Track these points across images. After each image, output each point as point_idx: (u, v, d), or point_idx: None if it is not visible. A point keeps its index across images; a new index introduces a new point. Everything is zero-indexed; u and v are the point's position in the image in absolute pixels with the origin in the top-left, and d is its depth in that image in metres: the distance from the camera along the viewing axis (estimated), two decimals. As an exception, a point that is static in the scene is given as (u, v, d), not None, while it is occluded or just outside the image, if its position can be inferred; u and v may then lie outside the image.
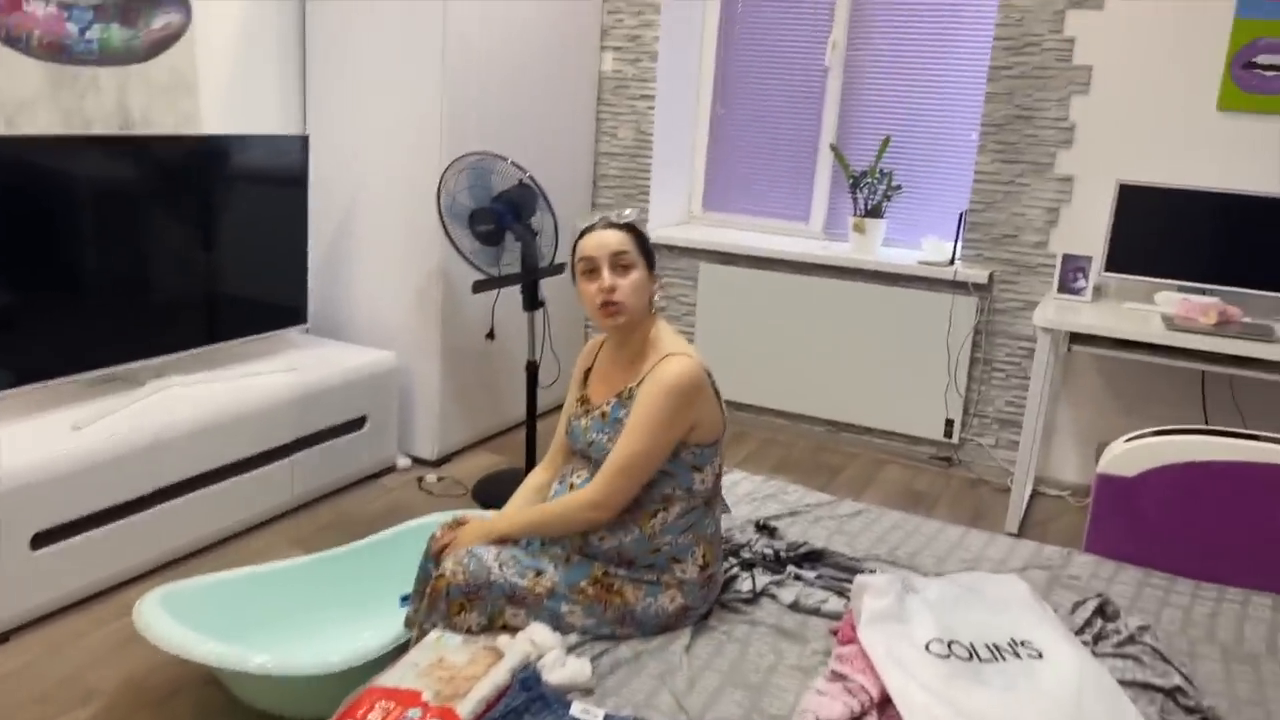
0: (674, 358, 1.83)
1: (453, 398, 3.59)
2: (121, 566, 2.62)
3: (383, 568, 2.46)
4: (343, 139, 3.49)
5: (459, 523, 2.00)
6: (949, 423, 3.79)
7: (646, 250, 1.92)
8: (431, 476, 3.47)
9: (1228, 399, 3.38)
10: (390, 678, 1.53)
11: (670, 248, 4.20)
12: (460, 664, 1.55)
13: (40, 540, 2.42)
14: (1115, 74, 3.37)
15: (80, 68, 2.85)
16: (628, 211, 1.93)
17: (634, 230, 1.91)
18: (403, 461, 3.54)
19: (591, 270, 1.88)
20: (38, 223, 2.55)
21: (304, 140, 3.22)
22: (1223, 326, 2.99)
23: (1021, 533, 3.27)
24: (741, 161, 4.30)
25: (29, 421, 2.60)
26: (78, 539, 2.50)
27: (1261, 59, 3.17)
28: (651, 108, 4.11)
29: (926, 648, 1.61)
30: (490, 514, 2.16)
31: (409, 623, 1.98)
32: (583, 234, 1.92)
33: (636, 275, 1.88)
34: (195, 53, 3.17)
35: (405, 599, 2.37)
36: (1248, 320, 3.09)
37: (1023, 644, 1.64)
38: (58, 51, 2.79)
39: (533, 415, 3.25)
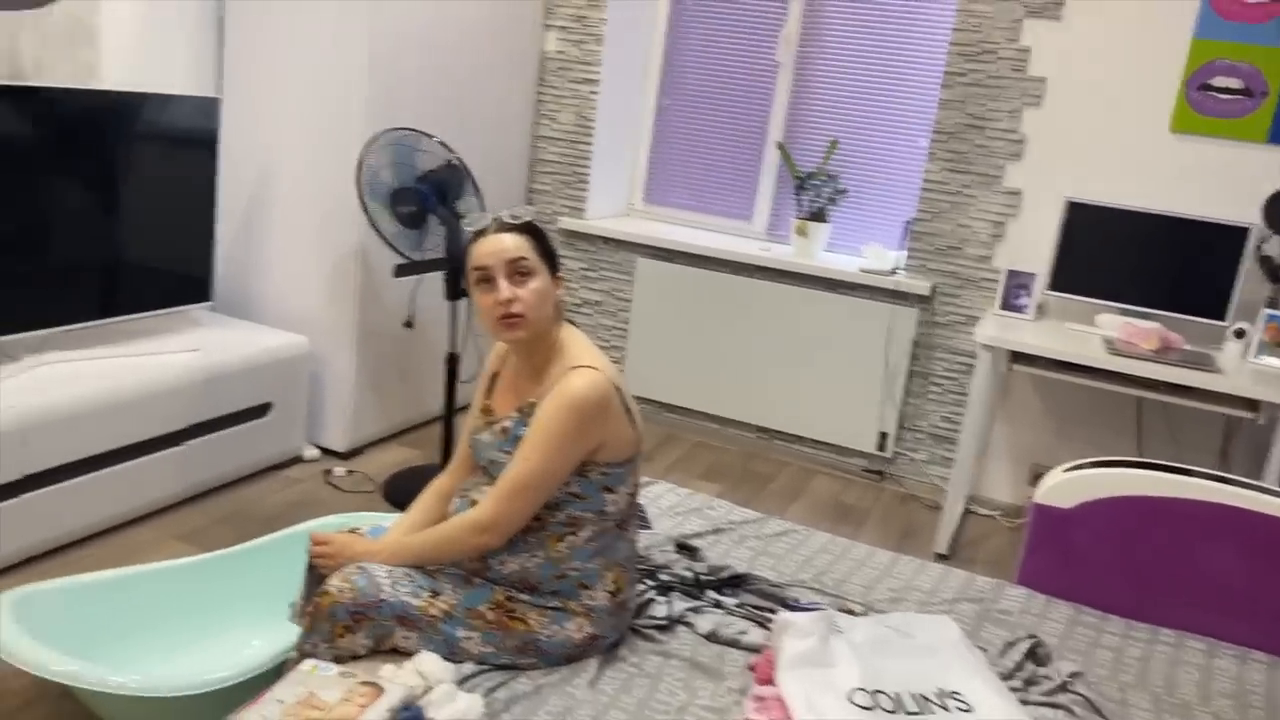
0: (579, 371, 1.66)
1: (367, 387, 3.38)
2: (-18, 559, 2.39)
3: (276, 571, 2.26)
4: (259, 105, 3.25)
5: (352, 533, 1.82)
6: (882, 435, 3.70)
7: (548, 252, 1.74)
8: (340, 470, 3.27)
9: (1163, 427, 3.34)
10: (252, 717, 1.35)
11: (608, 240, 4.04)
12: (332, 702, 1.38)
13: (-115, 529, 2.19)
14: (1069, 88, 3.29)
15: (-37, 7, 2.59)
16: (524, 210, 1.76)
17: (532, 231, 1.73)
18: (310, 452, 3.33)
19: (487, 280, 1.70)
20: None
21: (216, 103, 2.98)
22: (1163, 353, 2.93)
23: (951, 553, 3.19)
24: (686, 155, 4.15)
25: (-118, 396, 2.35)
26: (-70, 529, 2.26)
27: (1217, 81, 3.11)
28: (595, 93, 3.94)
29: (850, 698, 1.48)
30: (387, 519, 1.99)
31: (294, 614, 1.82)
32: (474, 239, 1.73)
33: (538, 283, 1.70)
34: (98, 1, 2.92)
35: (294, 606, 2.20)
36: (1188, 348, 3.04)
37: (952, 695, 1.53)
38: (-64, -12, 2.52)
39: (450, 410, 3.07)
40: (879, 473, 3.77)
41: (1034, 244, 3.40)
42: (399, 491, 3.09)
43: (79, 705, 2.01)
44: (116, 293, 2.85)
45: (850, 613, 1.90)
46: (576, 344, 1.75)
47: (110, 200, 2.77)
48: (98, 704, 1.88)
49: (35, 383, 2.53)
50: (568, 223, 4.04)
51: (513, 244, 1.69)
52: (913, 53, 3.68)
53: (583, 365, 1.68)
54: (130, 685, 1.75)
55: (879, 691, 1.50)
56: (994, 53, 3.36)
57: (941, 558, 3.14)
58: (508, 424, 1.75)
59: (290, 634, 1.86)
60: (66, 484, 2.54)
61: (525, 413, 1.72)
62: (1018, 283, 3.28)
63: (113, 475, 2.65)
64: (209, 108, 2.97)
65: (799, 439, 3.87)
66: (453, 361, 3.05)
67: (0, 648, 1.77)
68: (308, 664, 1.49)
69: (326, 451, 3.38)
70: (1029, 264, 3.38)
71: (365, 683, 1.44)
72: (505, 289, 1.68)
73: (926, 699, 1.50)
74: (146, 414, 2.70)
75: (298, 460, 3.31)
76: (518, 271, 1.69)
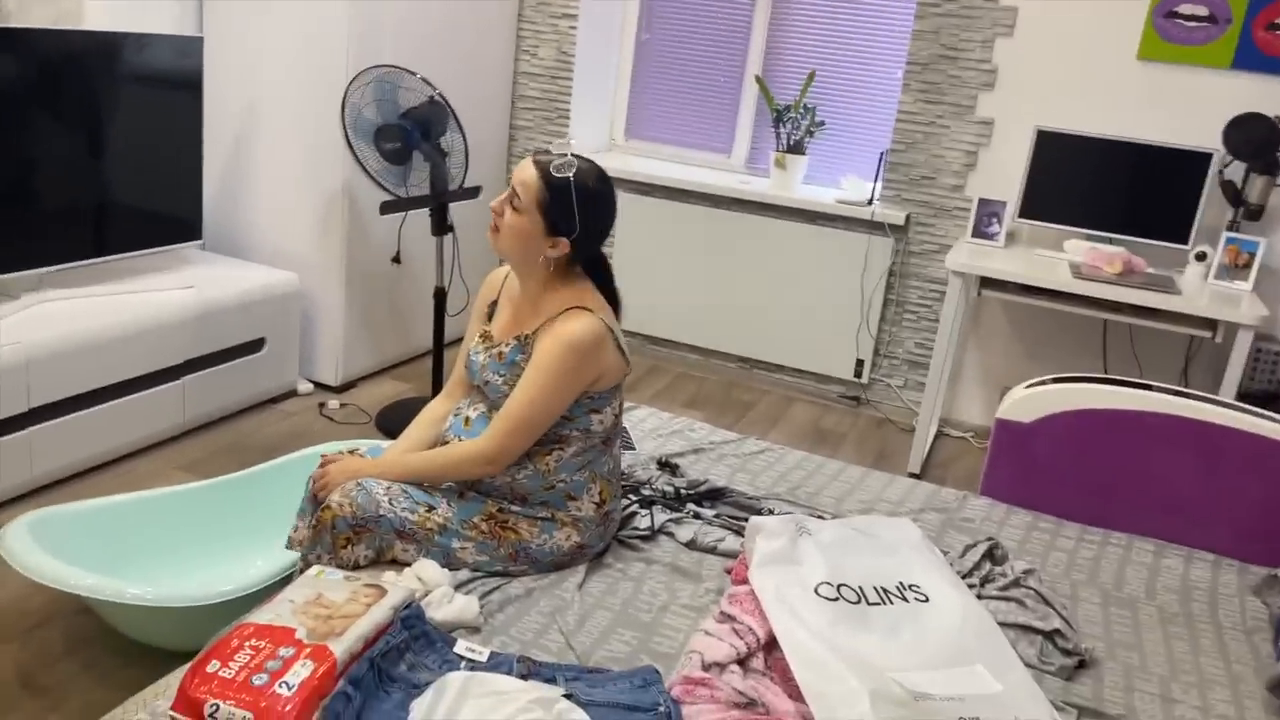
0: (575, 313, 1.78)
1: (357, 322, 3.47)
2: (-7, 489, 2.49)
3: (278, 495, 2.37)
4: (242, 44, 3.28)
5: (351, 454, 1.93)
6: (859, 363, 3.82)
7: (552, 210, 1.78)
8: (334, 402, 3.37)
9: (1128, 348, 3.46)
10: (264, 614, 1.47)
11: (589, 175, 4.09)
12: (339, 601, 1.50)
13: (-100, 461, 2.28)
14: (1039, 17, 3.35)
15: (-56, -51, 2.61)
16: (569, 168, 1.79)
17: (554, 187, 1.78)
18: (304, 386, 3.43)
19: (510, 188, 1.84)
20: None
21: (199, 42, 3.01)
22: (1126, 276, 3.04)
23: (923, 473, 3.33)
24: (666, 89, 4.20)
25: (-112, 334, 2.42)
26: (-57, 460, 2.36)
27: (1183, 9, 3.17)
28: (574, 27, 3.96)
29: (816, 590, 1.61)
30: (385, 444, 2.09)
31: (291, 543, 1.91)
32: (531, 155, 1.86)
33: (517, 221, 1.80)
34: (78, -60, 2.93)
35: (297, 529, 2.30)
36: (1151, 271, 3.15)
37: (910, 587, 1.66)
38: (-83, -71, 2.54)
39: (439, 343, 3.16)
40: (856, 398, 3.89)
41: (1005, 173, 3.49)
42: (391, 423, 3.20)
43: (94, 622, 2.12)
44: (108, 232, 2.92)
45: (820, 518, 2.03)
46: (576, 286, 1.84)
47: (98, 141, 2.82)
48: (114, 617, 2.00)
49: (35, 320, 2.61)
50: (550, 159, 4.09)
51: (528, 181, 1.80)
52: (888, -16, 3.72)
53: (578, 306, 1.78)
54: (146, 597, 1.87)
55: (843, 584, 1.62)
56: (967, -17, 3.40)
57: (914, 477, 3.27)
58: (504, 349, 1.85)
59: (292, 555, 1.97)
60: (70, 417, 2.63)
61: (523, 342, 1.83)
62: (989, 211, 3.37)
63: (115, 409, 2.74)
64: (191, 47, 3.01)
65: (779, 368, 3.99)
66: (440, 296, 3.13)
67: (22, 565, 1.88)
68: (315, 569, 1.61)
69: (320, 385, 3.48)
70: (1000, 192, 3.47)
71: (369, 585, 1.56)
72: (498, 203, 1.83)
73: (886, 591, 1.63)
74: (144, 349, 2.79)
75: (292, 394, 3.40)
76: (512, 201, 1.81)
